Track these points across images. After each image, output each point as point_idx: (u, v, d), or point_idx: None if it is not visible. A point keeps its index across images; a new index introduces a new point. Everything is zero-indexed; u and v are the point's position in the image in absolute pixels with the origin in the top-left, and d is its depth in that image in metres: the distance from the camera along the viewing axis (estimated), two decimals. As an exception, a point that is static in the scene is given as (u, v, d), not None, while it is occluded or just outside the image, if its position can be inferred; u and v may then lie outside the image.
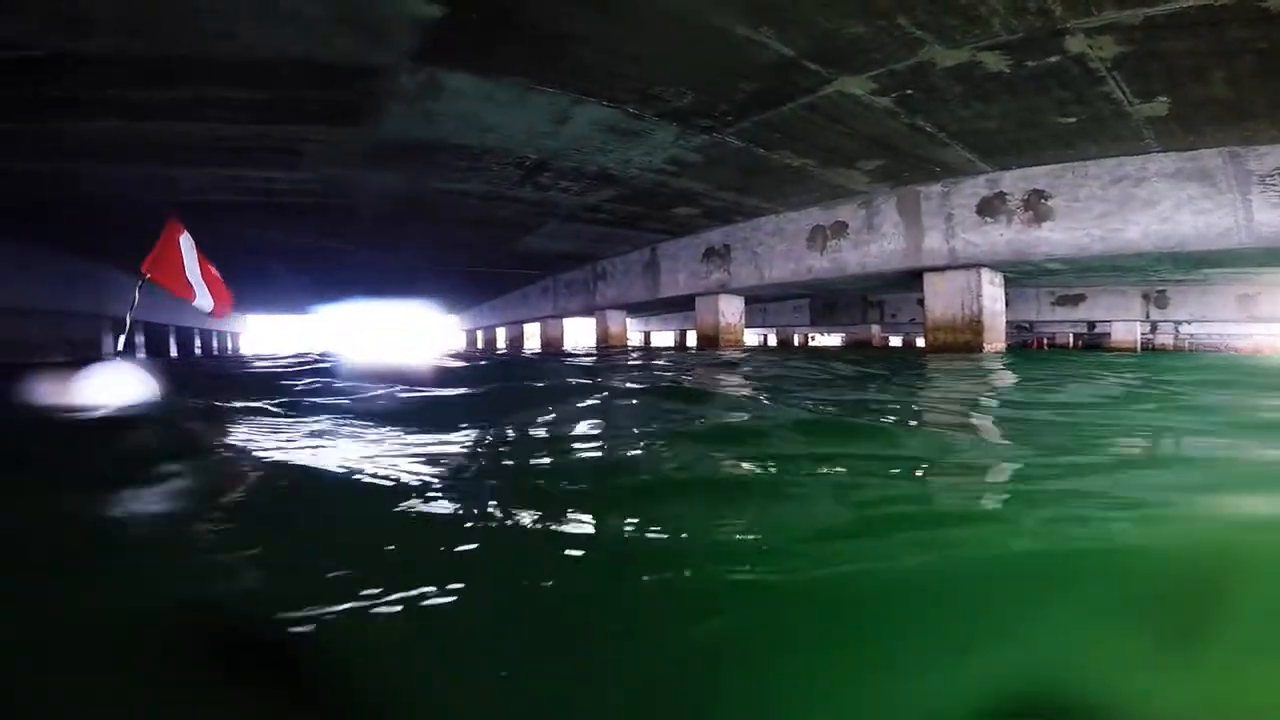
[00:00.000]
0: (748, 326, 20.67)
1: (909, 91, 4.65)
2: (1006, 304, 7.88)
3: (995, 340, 7.33)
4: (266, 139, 5.46)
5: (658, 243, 11.21)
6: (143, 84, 4.14)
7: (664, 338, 30.08)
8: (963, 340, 7.23)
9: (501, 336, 21.30)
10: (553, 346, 16.08)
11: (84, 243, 9.83)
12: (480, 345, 23.45)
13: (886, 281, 9.96)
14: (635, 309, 14.35)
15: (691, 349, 14.78)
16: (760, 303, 19.37)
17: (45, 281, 10.27)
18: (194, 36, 3.55)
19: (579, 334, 18.16)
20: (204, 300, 3.79)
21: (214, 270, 3.87)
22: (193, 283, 3.70)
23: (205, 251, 3.81)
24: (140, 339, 14.89)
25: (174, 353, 17.20)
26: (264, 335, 29.51)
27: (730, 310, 10.60)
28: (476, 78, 4.34)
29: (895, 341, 23.01)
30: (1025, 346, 19.15)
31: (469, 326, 25.62)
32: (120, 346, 3.51)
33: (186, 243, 3.71)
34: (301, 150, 5.80)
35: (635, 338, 28.42)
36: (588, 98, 4.73)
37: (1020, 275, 8.41)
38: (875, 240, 7.90)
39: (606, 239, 10.66)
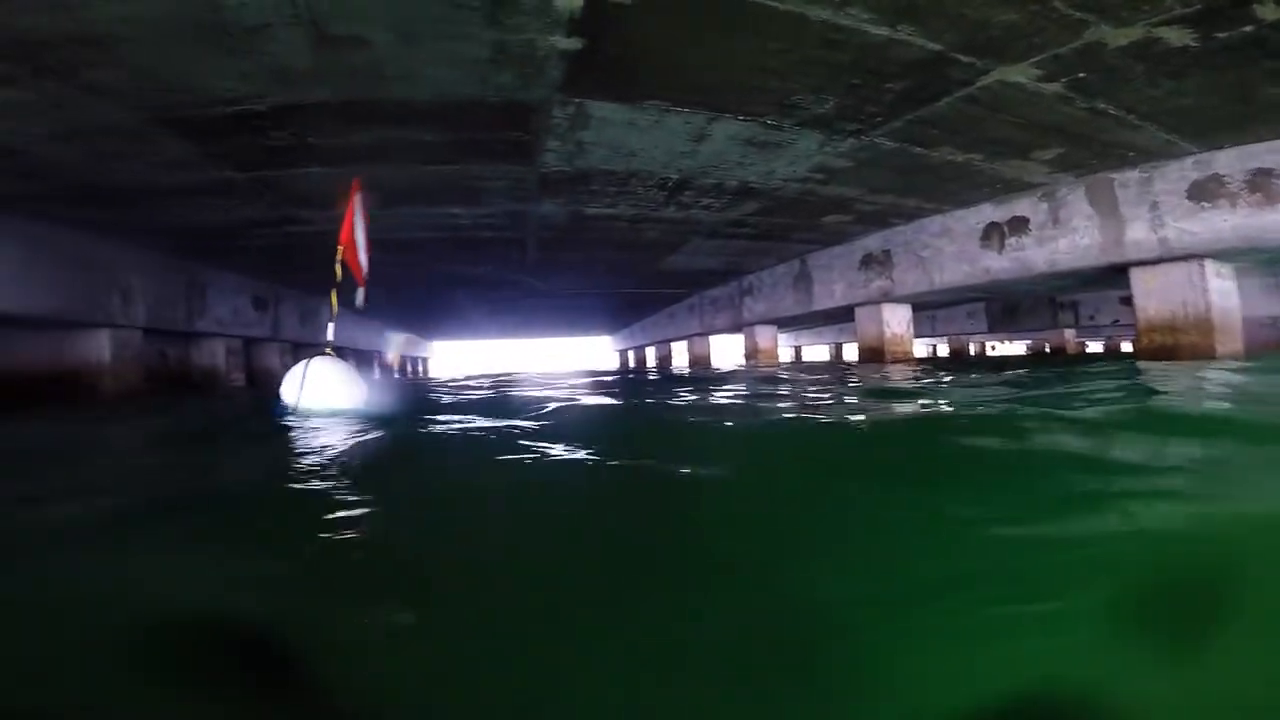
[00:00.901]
0: (916, 336, 19.24)
1: (1081, 75, 4.15)
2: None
3: (1230, 341, 6.06)
4: (449, 179, 6.17)
5: (807, 253, 10.85)
6: (341, 131, 4.85)
7: (817, 352, 28.83)
8: (1187, 342, 6.08)
9: (651, 356, 21.88)
10: (700, 364, 16.17)
11: (299, 278, 11.74)
12: (631, 365, 24.25)
13: (1080, 280, 8.71)
14: (785, 323, 13.97)
15: (849, 363, 14.01)
16: (928, 309, 17.89)
17: (279, 313, 12.44)
18: (377, 81, 4.07)
19: (726, 350, 18.07)
20: (361, 259, 3.95)
21: (368, 235, 4.04)
22: (361, 243, 3.88)
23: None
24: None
25: (376, 375, 19.92)
26: (448, 360, 33.07)
27: (896, 320, 9.90)
28: (618, 105, 4.57)
29: (1095, 347, 19.87)
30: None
31: (620, 347, 26.67)
32: (329, 336, 3.81)
33: (359, 202, 3.86)
34: (480, 187, 6.48)
35: (785, 352, 27.59)
36: (723, 114, 4.77)
37: (1257, 265, 6.90)
38: (1064, 235, 6.95)
39: (751, 252, 10.55)
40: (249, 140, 4.85)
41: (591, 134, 5.12)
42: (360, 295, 4.05)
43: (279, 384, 3.82)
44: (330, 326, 3.84)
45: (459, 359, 34.45)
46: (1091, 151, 5.79)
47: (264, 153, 5.15)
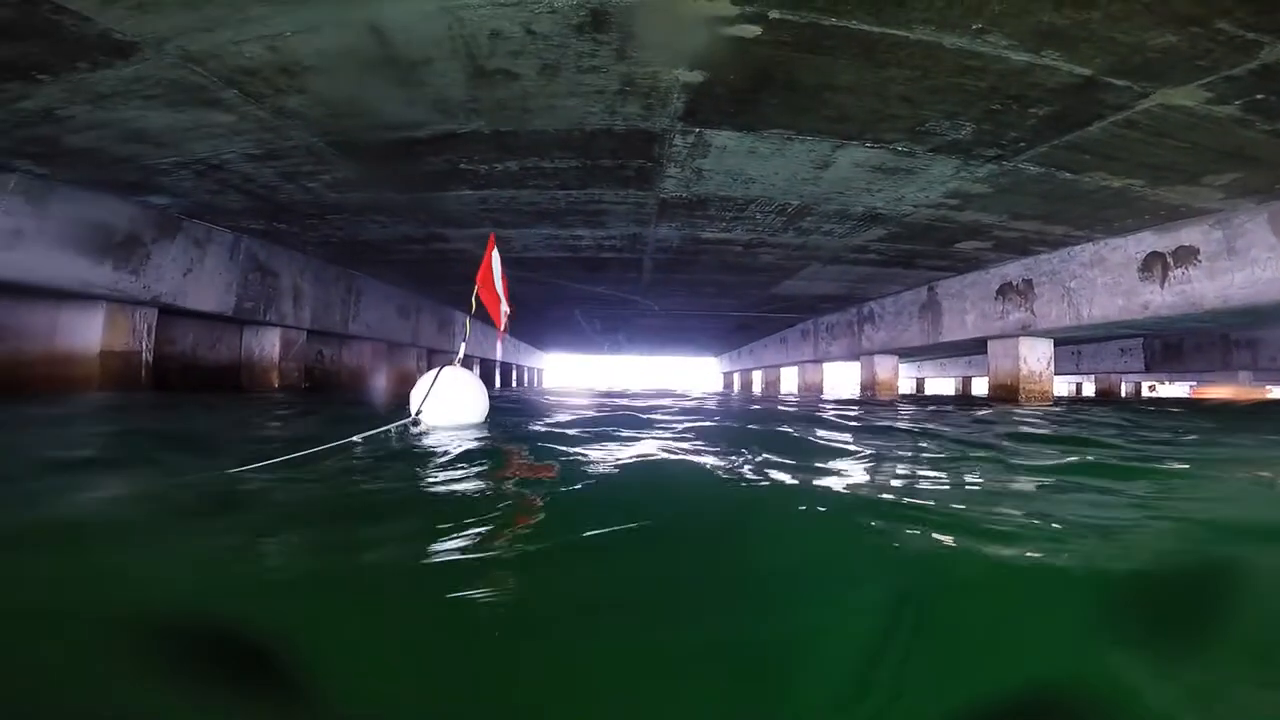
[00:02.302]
0: (1057, 373, 17.46)
1: (1259, 96, 3.72)
2: None
3: None
4: (576, 202, 6.54)
5: (935, 281, 10.28)
6: (489, 159, 5.32)
7: (941, 384, 26.93)
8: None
9: (758, 380, 21.52)
10: (811, 391, 15.68)
11: (438, 290, 12.79)
12: (737, 388, 23.96)
13: (1254, 318, 7.59)
14: (908, 353, 13.25)
15: (979, 398, 12.98)
16: (1073, 344, 16.23)
17: (419, 320, 13.61)
18: (523, 114, 4.45)
19: (840, 378, 17.39)
20: (503, 308, 4.28)
21: (505, 281, 4.42)
22: (499, 292, 4.24)
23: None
24: (476, 370, 18.71)
25: (498, 383, 21.15)
26: (561, 371, 34.47)
27: (1035, 356, 9.12)
28: (739, 133, 4.65)
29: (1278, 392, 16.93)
30: None
31: (726, 369, 26.46)
32: (460, 352, 4.06)
33: (497, 256, 4.23)
34: (604, 210, 6.81)
35: (906, 384, 26.03)
36: (850, 141, 4.70)
37: None
38: (1241, 267, 6.11)
39: (873, 279, 10.16)
40: (409, 164, 5.42)
41: (710, 161, 5.23)
42: (498, 337, 4.67)
43: (414, 387, 3.89)
44: (463, 345, 4.16)
45: (570, 371, 35.77)
46: (1275, 176, 5.08)
47: (421, 176, 5.74)
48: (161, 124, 4.54)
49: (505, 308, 4.35)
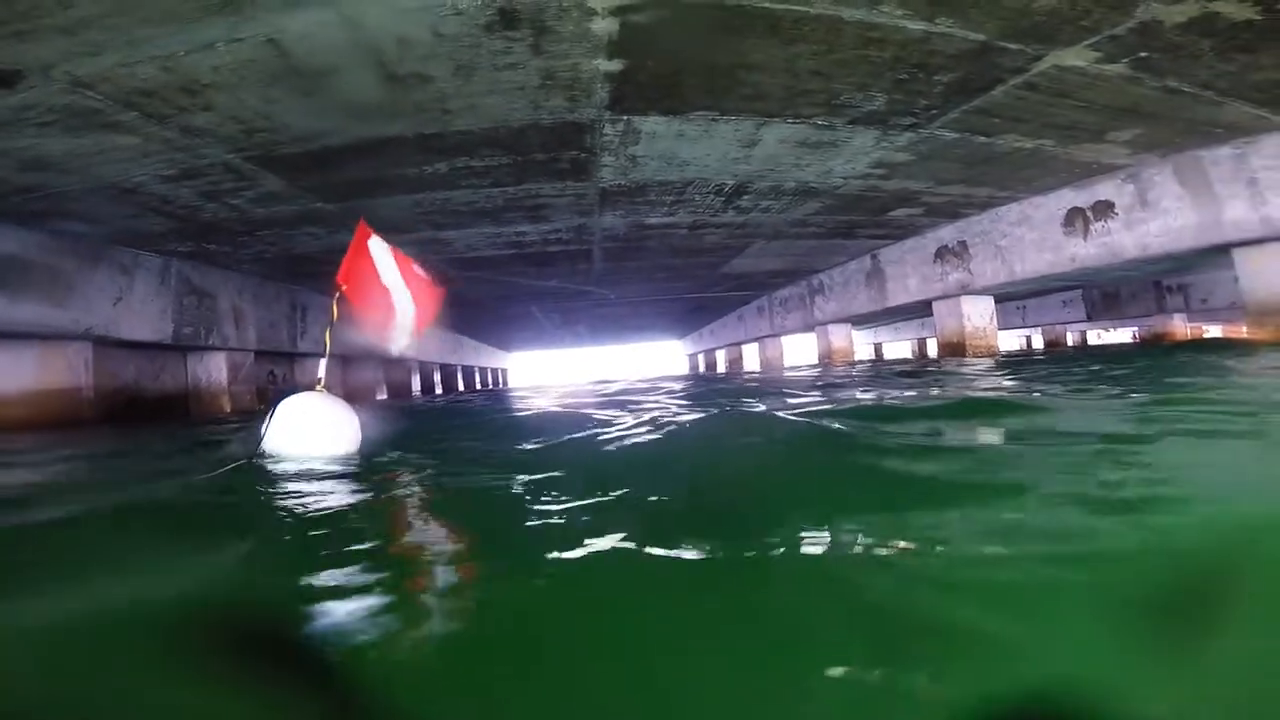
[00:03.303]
0: (1005, 328, 18.15)
1: (1143, 54, 3.94)
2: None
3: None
4: (514, 198, 6.51)
5: (878, 249, 10.55)
6: (415, 162, 5.25)
7: (898, 349, 27.66)
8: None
9: (721, 359, 21.76)
10: (772, 366, 15.96)
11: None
12: (702, 368, 24.20)
13: (1179, 264, 8.02)
14: (861, 320, 13.58)
15: (933, 359, 13.41)
16: (1015, 300, 16.85)
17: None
18: (444, 115, 4.40)
19: (800, 351, 17.73)
20: (404, 309, 3.41)
21: (418, 269, 3.52)
22: (390, 288, 3.38)
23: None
24: (437, 377, 18.45)
25: (460, 387, 20.93)
26: (527, 370, 34.22)
27: (976, 312, 9.46)
28: (666, 118, 4.70)
29: (1214, 332, 17.90)
30: None
31: (690, 351, 26.67)
32: (320, 373, 3.26)
33: (378, 247, 3.40)
34: (544, 204, 6.79)
35: (865, 350, 26.64)
36: (771, 118, 4.79)
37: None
38: (1154, 217, 6.45)
39: (819, 252, 10.38)
40: (333, 173, 5.32)
41: (643, 148, 5.27)
42: (398, 337, 3.56)
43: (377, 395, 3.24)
44: (323, 363, 3.32)
45: (537, 369, 35.58)
46: (1174, 130, 5.39)
47: (348, 184, 5.63)
48: (61, 150, 4.38)
49: (405, 305, 3.50)
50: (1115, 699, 0.78)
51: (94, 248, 6.69)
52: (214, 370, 8.79)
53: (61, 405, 6.49)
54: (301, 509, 1.90)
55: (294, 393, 3.16)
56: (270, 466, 2.66)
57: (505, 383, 29.53)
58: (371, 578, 1.30)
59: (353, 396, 12.02)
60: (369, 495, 2.17)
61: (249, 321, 9.14)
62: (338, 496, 2.10)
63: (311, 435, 2.94)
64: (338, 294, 3.22)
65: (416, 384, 16.21)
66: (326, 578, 1.30)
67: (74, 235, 6.38)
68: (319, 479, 2.39)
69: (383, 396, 14.20)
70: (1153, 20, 3.52)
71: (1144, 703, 0.78)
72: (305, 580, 1.31)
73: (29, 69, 3.32)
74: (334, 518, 1.83)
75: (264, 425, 2.97)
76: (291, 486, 2.25)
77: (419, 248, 8.15)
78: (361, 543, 1.59)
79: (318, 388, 3.18)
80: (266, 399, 10.26)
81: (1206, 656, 0.86)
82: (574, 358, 34.72)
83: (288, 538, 1.68)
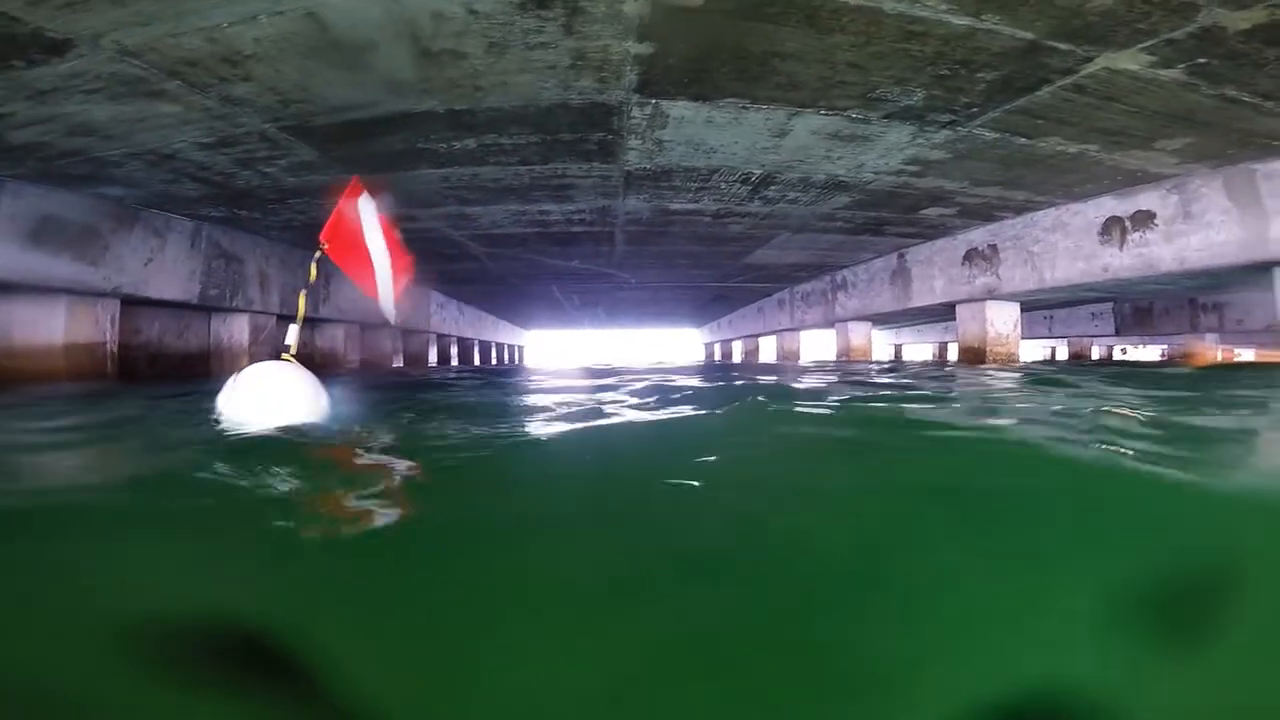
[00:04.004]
0: (1030, 337, 17.85)
1: (1202, 60, 3.76)
2: None
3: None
4: (540, 177, 6.49)
5: (905, 248, 10.38)
6: (446, 137, 5.26)
7: (920, 351, 27.29)
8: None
9: (738, 350, 21.67)
10: (789, 359, 15.85)
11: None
12: (718, 357, 24.12)
13: (1215, 280, 7.79)
14: (882, 320, 13.41)
15: (950, 363, 13.23)
16: (1044, 309, 16.51)
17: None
18: (475, 92, 4.39)
19: (818, 346, 17.57)
20: (384, 274, 3.28)
21: (396, 236, 3.41)
22: (372, 251, 3.25)
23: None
24: (454, 350, 18.62)
25: (476, 361, 21.10)
26: (544, 349, 34.36)
27: (1001, 319, 9.26)
28: (695, 103, 4.64)
29: (1248, 355, 17.37)
30: None
31: (707, 340, 26.58)
32: (289, 339, 3.09)
33: (366, 206, 3.23)
34: (569, 184, 6.77)
35: (885, 350, 26.33)
36: (804, 109, 4.70)
37: None
38: (1196, 230, 6.25)
39: (843, 247, 10.23)
40: (366, 145, 5.34)
41: (670, 132, 5.22)
42: (389, 304, 3.47)
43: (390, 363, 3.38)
44: (294, 329, 3.13)
45: (554, 348, 35.71)
46: (1228, 141, 5.18)
47: (379, 157, 5.66)
48: (106, 116, 4.46)
49: (385, 269, 3.37)
50: None
51: (130, 210, 6.83)
52: (236, 331, 8.96)
53: (87, 360, 6.66)
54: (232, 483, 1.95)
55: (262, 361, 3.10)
56: (226, 435, 2.65)
57: (520, 360, 29.69)
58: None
59: (369, 365, 12.18)
60: (296, 467, 2.19)
61: (274, 286, 9.28)
62: (265, 468, 2.13)
63: (272, 404, 2.85)
64: (318, 253, 3.06)
65: (433, 355, 16.36)
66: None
67: (112, 199, 6.52)
68: (266, 450, 2.40)
69: (399, 365, 14.38)
70: (1215, 25, 3.37)
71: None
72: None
73: (79, 38, 3.38)
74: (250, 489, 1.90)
75: (224, 393, 2.90)
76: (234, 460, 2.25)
77: (445, 222, 8.20)
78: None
79: (285, 355, 3.08)
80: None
81: None
82: (591, 339, 34.77)
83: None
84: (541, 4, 3.32)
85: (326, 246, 3.11)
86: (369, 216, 3.32)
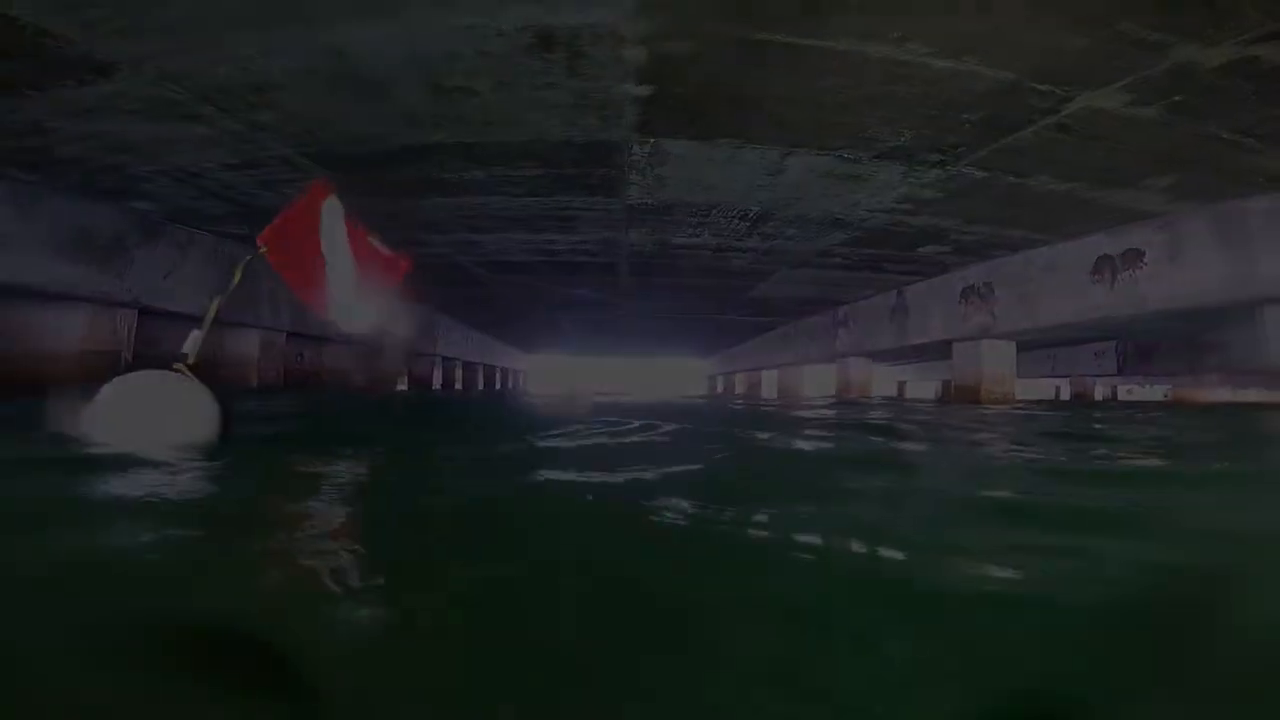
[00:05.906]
0: (1032, 376, 17.72)
1: (1177, 98, 3.93)
2: None
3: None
4: (547, 208, 6.78)
5: (904, 285, 10.56)
6: (457, 168, 5.56)
7: (924, 388, 27.25)
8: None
9: (740, 382, 21.77)
10: (789, 394, 15.92)
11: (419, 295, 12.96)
12: (719, 390, 24.20)
13: (1205, 317, 7.89)
14: (883, 356, 13.52)
15: (939, 402, 13.25)
16: (1046, 348, 16.56)
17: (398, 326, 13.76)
18: (485, 126, 4.68)
19: (819, 382, 17.64)
20: (343, 282, 2.94)
21: (375, 244, 3.08)
22: (329, 258, 2.88)
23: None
24: (459, 373, 18.83)
25: (481, 385, 21.28)
26: (544, 373, 34.25)
27: (995, 358, 9.32)
28: (693, 142, 4.90)
29: (1253, 396, 17.18)
30: None
31: (710, 373, 26.71)
32: (187, 348, 2.78)
33: (330, 210, 2.86)
34: (574, 216, 7.05)
35: (888, 387, 26.33)
36: (797, 148, 4.95)
37: None
38: (1184, 269, 6.40)
39: (844, 283, 10.43)
40: (383, 174, 5.65)
41: (669, 169, 5.48)
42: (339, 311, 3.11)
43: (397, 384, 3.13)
44: (196, 336, 2.84)
45: (556, 373, 35.67)
46: (1212, 178, 5.35)
47: (396, 185, 5.96)
48: (143, 135, 4.79)
49: (345, 277, 3.01)
50: None
51: (155, 224, 7.14)
52: (245, 346, 9.24)
53: (103, 367, 6.88)
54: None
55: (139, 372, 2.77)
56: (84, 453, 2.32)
57: (520, 384, 29.74)
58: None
59: (374, 386, 12.34)
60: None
61: (284, 305, 9.55)
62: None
63: (145, 421, 2.50)
64: (250, 256, 2.73)
65: (438, 378, 16.57)
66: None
67: (140, 212, 6.84)
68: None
69: (403, 387, 14.56)
70: (1188, 62, 3.52)
71: None
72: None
73: (124, 61, 3.71)
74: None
75: (89, 407, 2.52)
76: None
77: (454, 248, 8.48)
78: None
79: (176, 366, 2.72)
80: (292, 377, 10.66)
81: None
82: (594, 366, 34.77)
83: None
84: (546, 47, 3.59)
85: (264, 249, 2.82)
86: (332, 221, 2.94)
